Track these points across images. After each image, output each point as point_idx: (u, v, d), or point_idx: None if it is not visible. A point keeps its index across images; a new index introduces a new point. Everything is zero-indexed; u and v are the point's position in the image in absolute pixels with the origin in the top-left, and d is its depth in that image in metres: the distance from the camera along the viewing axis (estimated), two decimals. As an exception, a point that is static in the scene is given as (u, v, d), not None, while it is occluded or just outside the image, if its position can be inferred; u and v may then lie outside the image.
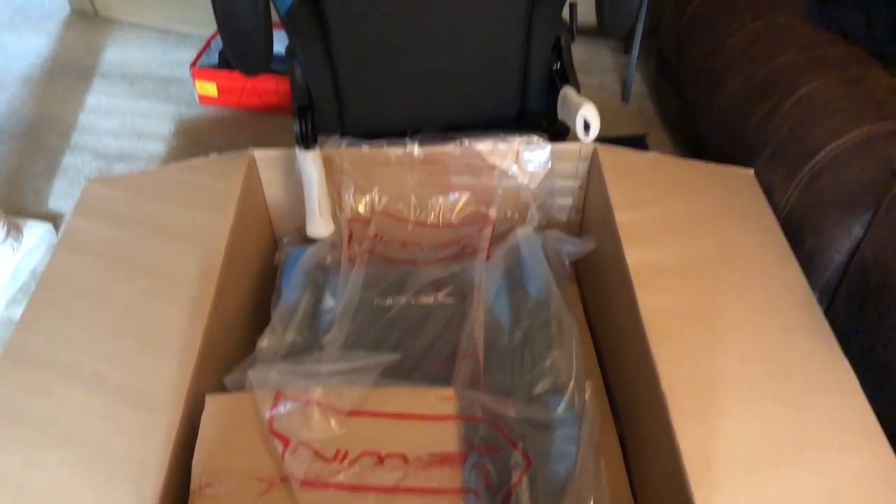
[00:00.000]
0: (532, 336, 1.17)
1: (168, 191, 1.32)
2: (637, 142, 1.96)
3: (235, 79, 2.03)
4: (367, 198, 1.45)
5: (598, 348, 1.35)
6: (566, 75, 1.28)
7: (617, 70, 2.26)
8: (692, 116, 1.79)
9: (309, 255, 1.31)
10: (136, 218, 1.25)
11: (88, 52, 2.33)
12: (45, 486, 0.86)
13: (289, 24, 1.20)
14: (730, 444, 0.90)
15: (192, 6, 2.30)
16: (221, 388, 1.04)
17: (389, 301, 1.24)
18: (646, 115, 2.10)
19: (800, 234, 1.29)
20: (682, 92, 1.87)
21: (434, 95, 1.30)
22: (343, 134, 1.35)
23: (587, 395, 1.08)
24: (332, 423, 0.95)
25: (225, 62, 2.11)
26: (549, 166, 1.40)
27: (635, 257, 1.15)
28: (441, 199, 1.48)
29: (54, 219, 1.75)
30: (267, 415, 0.95)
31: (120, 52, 2.33)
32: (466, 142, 1.36)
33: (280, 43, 1.20)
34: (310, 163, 1.26)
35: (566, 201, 1.48)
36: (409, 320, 1.21)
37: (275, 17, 1.14)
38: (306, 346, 1.16)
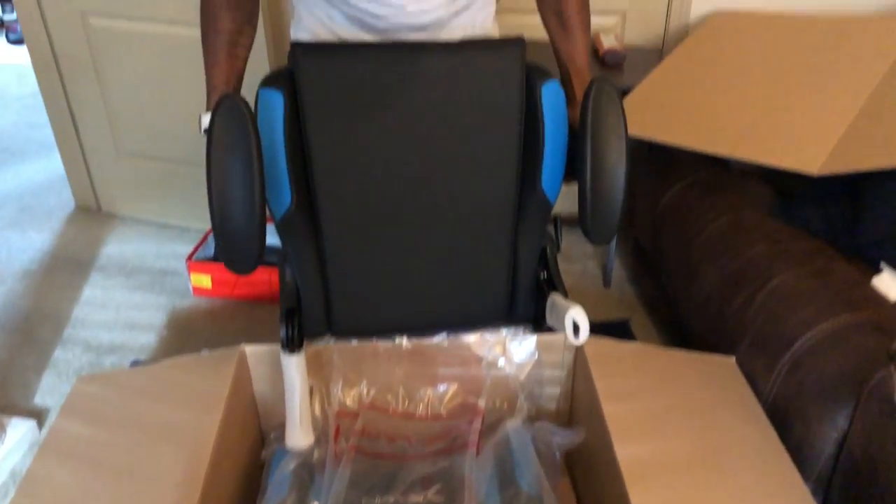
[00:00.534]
0: (525, 535, 1.14)
1: (157, 389, 1.32)
2: (620, 327, 2.01)
3: (230, 271, 2.09)
4: (356, 391, 1.45)
5: (593, 547, 1.31)
6: (553, 284, 1.30)
7: (597, 256, 2.36)
8: (672, 303, 1.85)
9: (295, 451, 1.30)
10: (124, 418, 1.25)
11: (88, 246, 2.42)
12: None
13: (282, 228, 1.23)
14: None
15: (190, 202, 2.42)
16: None
17: (377, 501, 1.22)
18: (627, 300, 2.17)
19: (786, 423, 1.30)
20: (660, 279, 1.95)
21: (423, 303, 1.31)
22: (331, 335, 1.35)
23: None
24: None
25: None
26: (536, 357, 1.42)
27: (625, 452, 1.15)
28: (429, 391, 1.49)
29: (39, 415, 1.74)
30: None
31: (118, 246, 2.42)
32: (454, 334, 1.39)
33: (273, 235, 1.20)
34: (294, 369, 1.26)
35: (554, 390, 1.49)
36: (397, 522, 1.18)
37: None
38: (291, 552, 1.12)
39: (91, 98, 2.36)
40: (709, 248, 1.67)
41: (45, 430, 1.71)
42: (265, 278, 2.12)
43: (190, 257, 2.18)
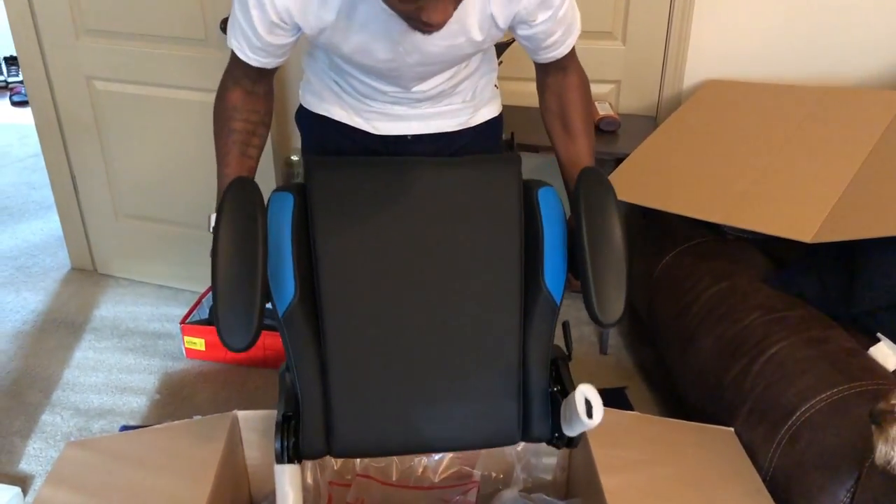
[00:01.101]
0: None
1: (147, 456, 1.30)
2: (617, 395, 1.99)
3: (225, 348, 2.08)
4: (349, 459, 1.43)
5: None
6: (566, 391, 1.20)
7: (593, 323, 2.35)
8: (668, 370, 1.84)
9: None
10: (112, 486, 1.22)
11: (82, 308, 2.40)
12: None
13: (286, 324, 1.18)
14: None
15: (186, 264, 2.42)
16: None
17: (370, 576, 1.18)
18: (624, 367, 2.15)
19: (787, 497, 1.27)
20: (656, 346, 1.94)
21: (430, 422, 1.20)
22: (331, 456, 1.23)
23: None
24: None
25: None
26: (532, 426, 1.40)
27: (624, 527, 1.13)
28: (424, 460, 1.46)
29: (24, 481, 1.70)
30: None
31: (113, 307, 2.41)
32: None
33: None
34: (287, 481, 1.15)
35: (551, 461, 1.47)
36: None
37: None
38: None
39: (92, 160, 2.39)
40: (704, 316, 1.67)
41: (30, 498, 1.67)
42: (259, 342, 2.10)
43: (184, 320, 2.17)
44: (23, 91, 4.33)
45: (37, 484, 1.71)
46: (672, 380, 1.83)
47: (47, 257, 2.70)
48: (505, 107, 1.48)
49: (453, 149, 1.36)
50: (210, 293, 2.09)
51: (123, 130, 2.30)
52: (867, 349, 1.44)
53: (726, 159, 1.84)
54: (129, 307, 2.42)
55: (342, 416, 1.17)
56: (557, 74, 1.27)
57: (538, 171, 2.35)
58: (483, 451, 1.46)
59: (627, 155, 1.96)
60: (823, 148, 1.78)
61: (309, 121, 1.38)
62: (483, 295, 1.20)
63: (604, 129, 2.15)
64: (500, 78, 1.44)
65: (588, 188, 1.13)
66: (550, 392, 1.21)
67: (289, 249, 1.17)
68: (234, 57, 1.17)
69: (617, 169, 1.90)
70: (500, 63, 1.59)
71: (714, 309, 1.65)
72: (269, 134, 2.15)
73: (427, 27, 0.94)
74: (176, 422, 1.40)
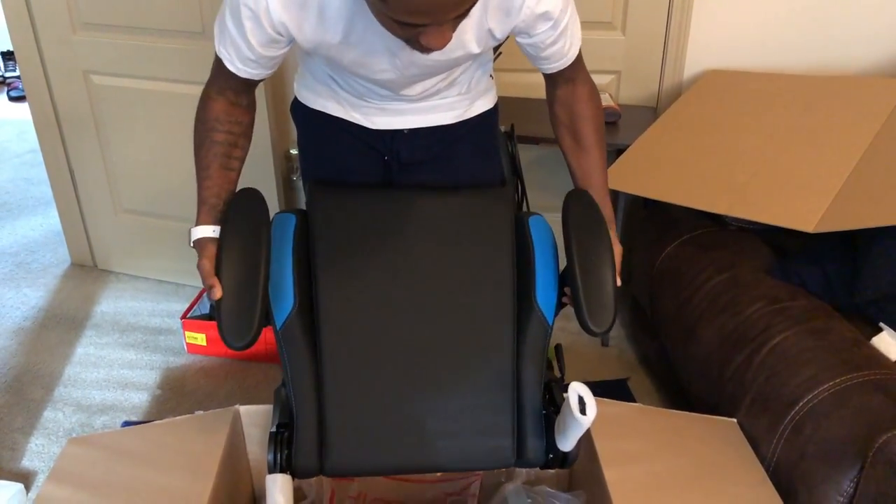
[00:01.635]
0: None
1: (149, 451, 1.30)
2: (619, 386, 1.99)
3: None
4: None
5: None
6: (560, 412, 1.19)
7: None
8: (670, 362, 1.84)
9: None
10: (114, 482, 1.22)
11: (83, 303, 2.40)
12: None
13: (283, 337, 1.19)
14: None
15: (187, 259, 2.41)
16: None
17: (373, 570, 1.18)
18: (625, 359, 2.15)
19: (790, 487, 1.27)
20: (658, 337, 1.93)
21: (424, 443, 1.18)
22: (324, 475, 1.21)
23: None
24: None
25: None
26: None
27: (627, 519, 1.12)
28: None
29: (27, 478, 1.70)
30: None
31: (113, 303, 2.40)
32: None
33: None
34: (278, 489, 1.12)
35: (553, 453, 1.47)
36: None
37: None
38: None
39: (90, 155, 2.38)
40: (706, 307, 1.66)
41: (33, 494, 1.67)
42: (261, 337, 2.10)
43: (185, 315, 2.16)
44: (20, 86, 4.32)
45: (39, 480, 1.71)
46: (674, 371, 1.83)
47: (47, 253, 2.69)
48: (504, 98, 1.47)
49: (449, 141, 1.36)
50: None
51: (121, 125, 2.29)
52: (870, 339, 1.43)
53: (728, 149, 1.83)
54: (130, 303, 2.41)
55: (336, 434, 1.17)
56: (566, 86, 1.27)
57: (538, 163, 2.34)
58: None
59: (628, 146, 1.95)
60: (825, 137, 1.78)
61: (304, 115, 1.37)
62: (476, 314, 1.23)
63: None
64: (498, 70, 1.43)
65: (576, 206, 1.21)
66: (544, 414, 1.21)
67: (289, 263, 1.21)
68: (219, 66, 1.13)
69: (618, 160, 1.90)
70: (499, 55, 1.58)
71: (716, 300, 1.65)
72: (268, 127, 2.15)
73: (426, 50, 0.94)
74: (178, 417, 1.39)
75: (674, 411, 1.49)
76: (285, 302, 1.18)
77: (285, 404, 1.19)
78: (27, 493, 1.66)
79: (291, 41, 1.09)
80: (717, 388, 1.54)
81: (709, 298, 1.67)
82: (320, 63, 1.27)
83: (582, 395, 1.05)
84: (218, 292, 1.10)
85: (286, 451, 1.15)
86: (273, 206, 2.28)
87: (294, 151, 2.32)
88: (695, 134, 1.94)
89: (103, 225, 2.51)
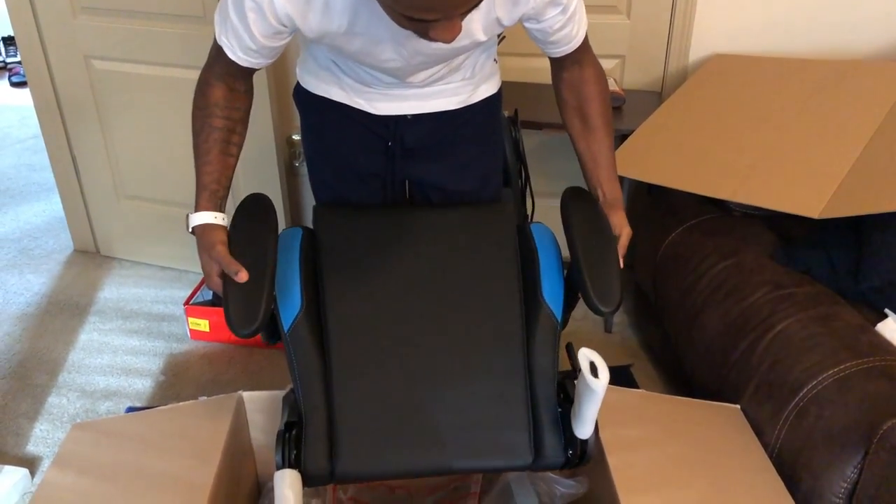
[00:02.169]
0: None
1: (153, 437, 1.30)
2: (623, 373, 1.99)
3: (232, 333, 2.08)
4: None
5: None
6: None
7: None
8: (674, 348, 1.84)
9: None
10: (118, 467, 1.22)
11: (86, 290, 2.40)
12: None
13: (291, 339, 1.18)
14: None
15: (189, 245, 2.41)
16: None
17: (377, 555, 1.18)
18: (629, 345, 2.15)
19: (794, 473, 1.27)
20: (662, 324, 1.93)
21: (435, 446, 1.15)
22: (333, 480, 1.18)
23: None
24: None
25: (219, 299, 2.17)
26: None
27: (631, 503, 1.13)
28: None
29: (32, 463, 1.70)
30: None
31: (117, 289, 2.40)
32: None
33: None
34: (287, 484, 1.08)
35: (556, 439, 1.47)
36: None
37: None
38: None
39: (92, 141, 2.37)
40: (710, 293, 1.66)
41: (37, 479, 1.68)
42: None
43: (188, 301, 2.16)
44: (21, 71, 4.30)
45: (44, 465, 1.72)
46: (678, 357, 1.83)
47: (50, 239, 2.69)
48: (507, 83, 1.45)
49: (453, 126, 1.35)
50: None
51: (123, 110, 2.28)
52: (875, 325, 1.43)
53: (733, 134, 1.82)
54: (133, 289, 2.41)
55: (345, 438, 1.15)
56: (573, 69, 1.26)
57: (541, 149, 2.33)
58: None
59: (632, 131, 1.94)
60: (832, 122, 1.76)
61: (308, 101, 1.36)
62: (484, 314, 1.23)
63: (608, 106, 2.13)
64: (503, 54, 1.42)
65: (574, 199, 1.25)
66: (559, 412, 1.19)
67: (297, 267, 1.21)
68: (218, 52, 1.11)
69: (622, 145, 1.89)
70: (503, 38, 1.57)
71: (720, 286, 1.64)
72: (271, 112, 2.14)
73: (434, 41, 0.93)
74: (181, 403, 1.40)
75: (677, 398, 1.49)
76: (293, 304, 1.18)
77: (293, 407, 1.18)
78: (32, 479, 1.67)
79: (294, 31, 1.08)
80: (720, 374, 1.54)
81: (713, 285, 1.66)
82: (324, 49, 1.26)
83: (593, 359, 1.05)
84: (244, 275, 1.09)
85: (294, 450, 1.14)
86: (276, 191, 2.28)
87: (297, 137, 2.32)
88: (700, 119, 1.93)
89: (106, 211, 2.51)
